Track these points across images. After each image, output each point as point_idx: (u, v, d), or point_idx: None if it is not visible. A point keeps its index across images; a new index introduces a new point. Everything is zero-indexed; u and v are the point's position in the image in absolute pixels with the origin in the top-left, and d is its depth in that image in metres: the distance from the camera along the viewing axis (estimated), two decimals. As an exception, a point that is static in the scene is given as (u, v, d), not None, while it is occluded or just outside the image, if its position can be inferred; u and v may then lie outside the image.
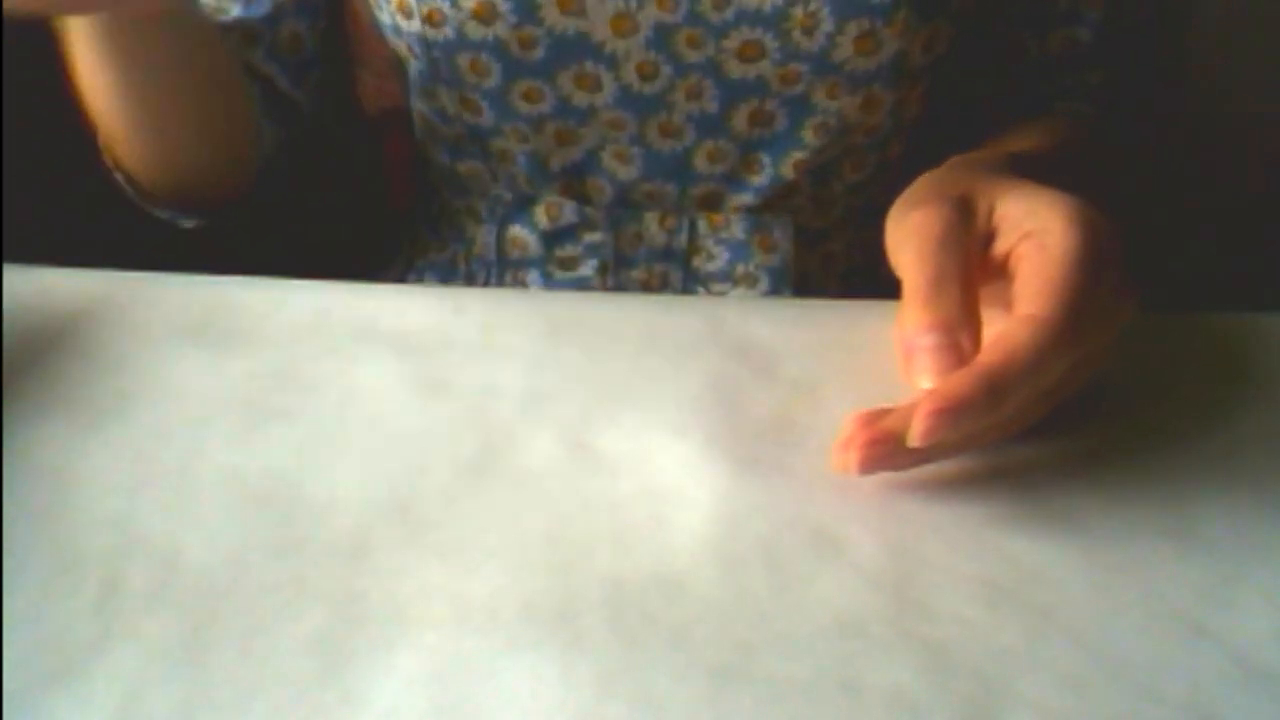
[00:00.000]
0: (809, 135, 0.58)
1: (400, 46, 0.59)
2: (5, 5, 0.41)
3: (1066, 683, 0.35)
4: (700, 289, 0.63)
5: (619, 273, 0.63)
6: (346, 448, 0.42)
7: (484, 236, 0.64)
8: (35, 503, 0.40)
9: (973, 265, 0.39)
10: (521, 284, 0.65)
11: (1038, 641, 0.36)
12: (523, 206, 0.63)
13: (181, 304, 0.49)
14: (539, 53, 0.55)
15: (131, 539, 0.39)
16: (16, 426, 0.43)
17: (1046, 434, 0.42)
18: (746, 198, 0.60)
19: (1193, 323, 0.49)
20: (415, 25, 0.56)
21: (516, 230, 0.64)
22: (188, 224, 0.62)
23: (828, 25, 0.53)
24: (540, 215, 0.63)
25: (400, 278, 0.70)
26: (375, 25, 0.61)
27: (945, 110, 0.62)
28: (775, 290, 0.62)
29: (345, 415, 0.43)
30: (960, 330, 0.38)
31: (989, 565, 0.38)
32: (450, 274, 0.68)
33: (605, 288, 0.63)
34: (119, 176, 0.58)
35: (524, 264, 0.64)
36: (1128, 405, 0.44)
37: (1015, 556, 0.38)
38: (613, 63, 0.56)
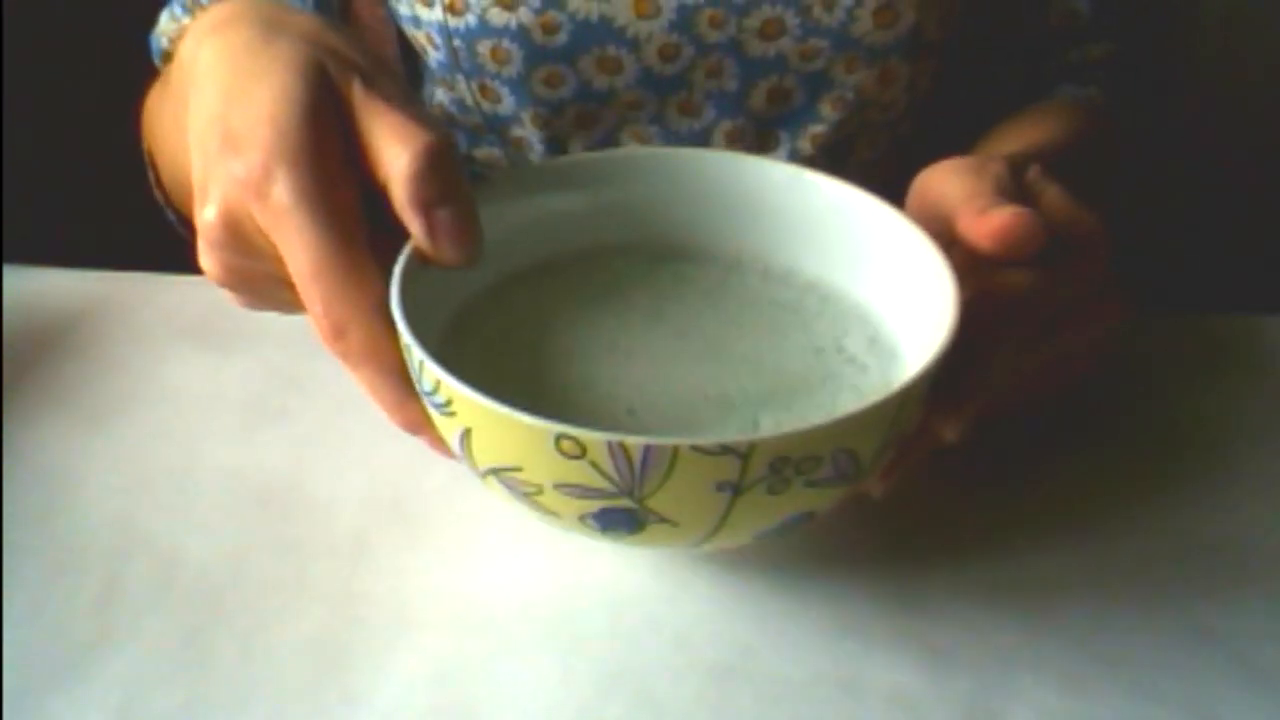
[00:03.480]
0: (827, 109, 0.58)
1: (419, 38, 0.59)
2: None
3: (1066, 683, 0.35)
4: None
5: None
6: (346, 448, 0.42)
7: None
8: (35, 503, 0.40)
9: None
10: None
11: (1038, 641, 0.36)
12: None
13: (181, 304, 0.49)
14: (561, 38, 0.55)
15: (131, 539, 0.39)
16: (16, 426, 0.43)
17: (1046, 434, 0.42)
18: None
19: (1192, 323, 0.49)
20: (436, 14, 0.56)
21: None
22: None
23: (847, 0, 0.54)
24: None
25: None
26: (388, 20, 0.60)
27: (954, 92, 0.62)
28: None
29: (345, 415, 0.43)
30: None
31: (989, 565, 0.38)
32: None
33: None
34: (172, 215, 0.55)
35: None
36: (1127, 405, 0.44)
37: (1015, 556, 0.38)
38: (635, 45, 0.56)
